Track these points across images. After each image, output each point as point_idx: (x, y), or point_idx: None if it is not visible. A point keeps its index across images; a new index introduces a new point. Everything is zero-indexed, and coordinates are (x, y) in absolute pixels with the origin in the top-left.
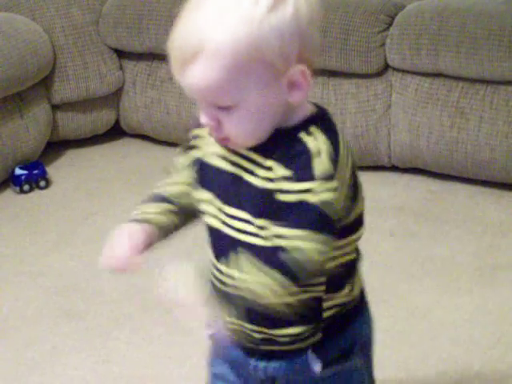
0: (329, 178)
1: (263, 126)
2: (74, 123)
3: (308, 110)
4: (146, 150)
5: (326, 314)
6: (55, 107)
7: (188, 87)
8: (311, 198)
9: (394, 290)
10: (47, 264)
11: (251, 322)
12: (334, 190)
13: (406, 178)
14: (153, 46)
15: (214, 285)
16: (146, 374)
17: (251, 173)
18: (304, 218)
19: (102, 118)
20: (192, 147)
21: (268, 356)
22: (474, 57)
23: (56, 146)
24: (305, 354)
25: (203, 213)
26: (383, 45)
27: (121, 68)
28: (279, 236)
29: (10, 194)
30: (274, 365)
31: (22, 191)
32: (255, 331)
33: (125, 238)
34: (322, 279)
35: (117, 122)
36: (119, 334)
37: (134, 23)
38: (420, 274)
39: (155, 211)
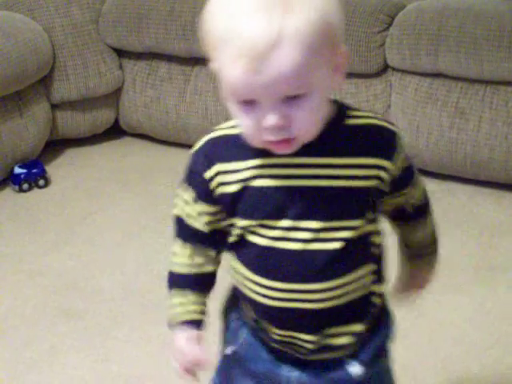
0: (401, 137)
1: (323, 113)
2: (73, 122)
3: (328, 102)
4: (145, 149)
5: (373, 310)
6: (54, 106)
7: (262, 82)
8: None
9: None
10: (46, 263)
11: (309, 330)
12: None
13: None
14: (152, 45)
15: (253, 300)
16: (145, 373)
17: (331, 177)
18: (414, 177)
19: (102, 117)
20: (220, 185)
21: (302, 365)
22: (473, 57)
23: (55, 145)
24: (342, 359)
25: (238, 237)
26: (383, 45)
27: (120, 67)
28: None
29: (9, 192)
30: (308, 373)
31: (21, 190)
32: (309, 341)
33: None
34: (374, 267)
35: (116, 121)
36: (118, 333)
37: (134, 22)
38: None
39: (195, 306)
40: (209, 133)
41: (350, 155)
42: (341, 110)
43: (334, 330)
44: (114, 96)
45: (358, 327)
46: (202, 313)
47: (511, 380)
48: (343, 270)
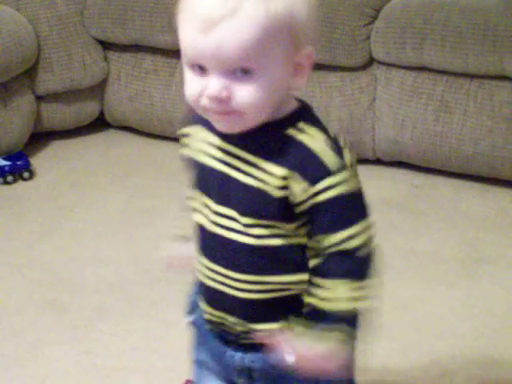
0: (342, 168)
1: (270, 103)
2: (58, 114)
3: (293, 104)
4: (130, 141)
5: (305, 310)
6: (39, 98)
7: (212, 48)
8: (332, 194)
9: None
10: (31, 255)
11: (235, 315)
12: (352, 176)
13: (391, 171)
14: (138, 37)
15: (198, 280)
16: (130, 365)
17: (245, 173)
18: (344, 215)
19: (87, 110)
20: (183, 145)
21: (245, 347)
22: (458, 51)
23: (40, 137)
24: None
25: (193, 209)
26: (368, 38)
27: (105, 59)
28: (332, 245)
29: None
30: (250, 356)
31: (6, 182)
32: (237, 324)
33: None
34: (306, 277)
35: (101, 113)
36: (103, 325)
37: (119, 14)
38: (403, 268)
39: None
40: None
41: (271, 160)
42: (293, 117)
43: (253, 326)
44: (99, 88)
45: (274, 325)
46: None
47: (496, 374)
48: (262, 270)
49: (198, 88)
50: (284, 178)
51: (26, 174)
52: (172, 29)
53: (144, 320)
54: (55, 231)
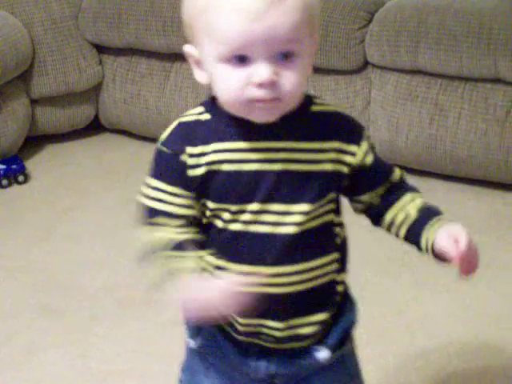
0: (362, 125)
1: (304, 88)
2: (52, 118)
3: None
4: (125, 145)
5: (336, 299)
6: (34, 102)
7: (264, 34)
8: (371, 151)
9: (371, 286)
10: (26, 259)
11: (276, 317)
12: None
13: None
14: (132, 40)
15: None
16: (124, 369)
17: (298, 161)
18: (383, 166)
19: (81, 113)
20: (190, 168)
21: (268, 354)
22: (453, 54)
23: (35, 141)
24: (309, 346)
25: (217, 222)
26: (363, 41)
27: (100, 63)
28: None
29: None
30: (275, 362)
31: (1, 186)
32: (278, 329)
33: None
34: (337, 255)
35: (96, 116)
36: (97, 329)
37: (114, 18)
38: (398, 270)
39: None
40: (176, 119)
41: (314, 139)
42: (307, 98)
43: (299, 321)
44: (94, 92)
45: (322, 316)
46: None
47: (491, 377)
48: (306, 256)
49: (243, 79)
50: (333, 150)
51: (20, 178)
52: (166, 32)
53: (139, 323)
54: (50, 235)
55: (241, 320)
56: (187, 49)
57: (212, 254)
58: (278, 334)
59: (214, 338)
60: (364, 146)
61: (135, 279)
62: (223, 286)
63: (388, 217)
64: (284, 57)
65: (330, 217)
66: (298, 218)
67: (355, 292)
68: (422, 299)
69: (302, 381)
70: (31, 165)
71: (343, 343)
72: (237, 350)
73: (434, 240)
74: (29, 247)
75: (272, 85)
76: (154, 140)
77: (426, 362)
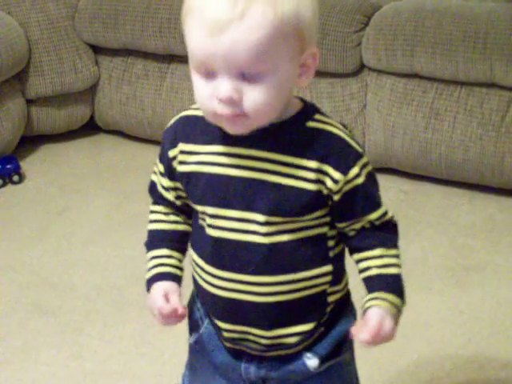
0: (363, 152)
1: (278, 105)
2: (48, 118)
3: (298, 102)
4: (120, 145)
5: (327, 310)
6: (30, 102)
7: (221, 52)
8: (361, 180)
9: (365, 290)
10: (20, 259)
11: (260, 326)
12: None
13: (380, 178)
14: (128, 41)
15: (207, 292)
16: (118, 370)
17: (274, 173)
18: (369, 202)
19: (77, 114)
20: (179, 163)
21: (259, 359)
22: (449, 58)
23: (30, 141)
24: (299, 352)
25: (196, 222)
26: (359, 45)
27: (96, 63)
28: (374, 220)
29: None
30: (266, 365)
31: None
32: (263, 337)
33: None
34: (329, 268)
35: (92, 117)
36: (91, 329)
37: (110, 19)
38: None
39: (170, 260)
40: (183, 111)
41: (299, 155)
42: (307, 111)
43: (284, 330)
44: (90, 92)
45: (307, 326)
46: (178, 268)
47: (483, 380)
48: (291, 267)
49: (208, 91)
50: (316, 171)
51: (15, 178)
52: (163, 33)
53: (132, 324)
54: (44, 235)
55: (222, 325)
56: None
57: (196, 254)
58: (263, 341)
59: (210, 334)
60: (351, 174)
61: (129, 280)
62: (151, 300)
63: (355, 257)
64: (251, 74)
65: (323, 230)
66: (262, 229)
67: None
68: (415, 303)
69: None
70: (26, 165)
71: (338, 353)
72: (228, 351)
73: (367, 309)
74: (23, 247)
75: (232, 102)
76: (149, 141)
77: (419, 365)
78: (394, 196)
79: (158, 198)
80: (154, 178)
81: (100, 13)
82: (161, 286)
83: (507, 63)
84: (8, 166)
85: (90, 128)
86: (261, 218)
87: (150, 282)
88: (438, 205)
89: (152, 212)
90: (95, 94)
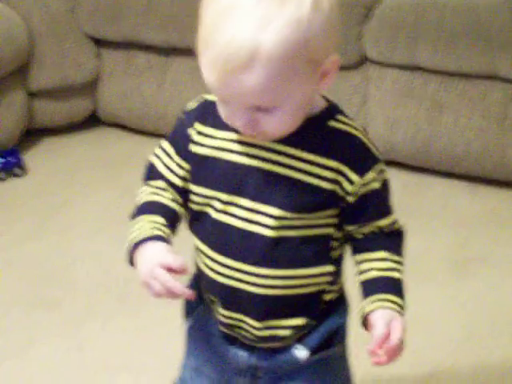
0: (380, 157)
1: (300, 119)
2: (50, 111)
3: (322, 101)
4: (122, 139)
5: (322, 307)
6: (32, 95)
7: (232, 93)
8: (377, 185)
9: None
10: (22, 252)
11: (255, 316)
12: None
13: None
14: (130, 34)
15: (206, 276)
16: (120, 363)
17: (293, 168)
18: (380, 207)
19: (79, 107)
20: (193, 143)
21: (251, 347)
22: (451, 51)
23: (32, 134)
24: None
25: (199, 206)
26: (361, 37)
27: (98, 56)
28: (383, 227)
29: None
30: (256, 354)
31: None
32: (256, 328)
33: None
34: (330, 269)
35: (94, 110)
36: (93, 323)
37: (112, 11)
38: None
39: (167, 230)
40: (201, 96)
41: (319, 153)
42: (331, 111)
43: (276, 323)
44: (92, 85)
45: (300, 321)
46: (170, 236)
47: (485, 373)
48: (293, 263)
49: (227, 113)
50: (335, 170)
51: (17, 171)
52: (165, 26)
53: (134, 318)
54: (46, 228)
55: (222, 311)
56: None
57: (200, 240)
58: (256, 332)
59: (204, 320)
60: (367, 178)
61: (131, 273)
62: (145, 268)
63: (357, 258)
64: (263, 107)
65: (329, 230)
66: (272, 222)
67: (349, 289)
68: (415, 296)
69: (284, 376)
70: (28, 158)
71: (329, 345)
72: (222, 335)
73: (370, 313)
74: (25, 240)
75: (251, 127)
76: (151, 134)
77: (421, 359)
78: (395, 188)
79: (156, 177)
80: (155, 159)
81: (102, 5)
82: (164, 245)
83: (510, 55)
84: (10, 160)
85: (92, 121)
86: (272, 210)
87: (147, 240)
88: (439, 197)
89: (142, 191)
90: (97, 88)
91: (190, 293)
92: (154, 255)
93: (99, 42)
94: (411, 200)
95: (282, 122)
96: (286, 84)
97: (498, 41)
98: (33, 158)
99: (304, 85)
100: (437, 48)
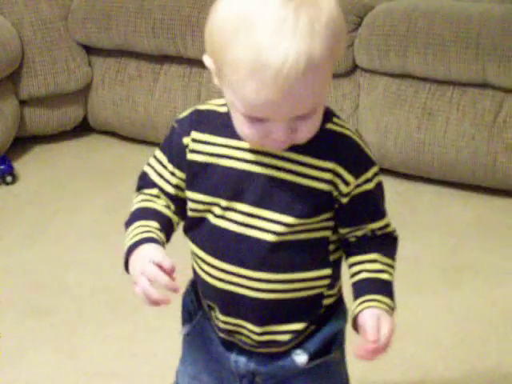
0: (375, 160)
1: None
2: (41, 119)
3: None
4: (113, 146)
5: (321, 311)
6: (23, 102)
7: (286, 107)
8: (370, 187)
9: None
10: (13, 260)
11: (254, 321)
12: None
13: None
14: (122, 42)
15: (205, 282)
16: (111, 370)
17: (293, 172)
18: (375, 207)
19: (70, 114)
20: (190, 151)
21: (249, 352)
22: (441, 58)
23: (23, 142)
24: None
25: (198, 213)
26: (352, 45)
27: (89, 64)
28: (375, 229)
29: None
30: (255, 360)
31: None
32: (256, 333)
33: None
34: (328, 272)
35: (85, 118)
36: (85, 330)
37: (103, 19)
38: None
39: (161, 234)
40: (196, 105)
41: (317, 156)
42: (327, 114)
43: (276, 328)
44: (83, 93)
45: (299, 325)
46: (163, 241)
47: (476, 380)
48: (293, 267)
49: (260, 134)
50: (332, 172)
51: (8, 178)
52: (156, 34)
53: (126, 325)
54: (38, 235)
55: (221, 317)
56: (206, 61)
57: (197, 245)
58: (255, 337)
59: (202, 327)
60: (362, 179)
61: (122, 281)
62: (137, 265)
63: (350, 260)
64: (303, 114)
65: (326, 233)
66: (278, 228)
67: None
68: (407, 303)
69: (282, 382)
70: (19, 165)
71: (327, 351)
72: (220, 341)
73: (359, 314)
74: (16, 248)
75: (289, 137)
76: (142, 142)
77: (412, 366)
78: (387, 196)
79: (149, 185)
80: (148, 168)
81: (93, 13)
82: (157, 247)
83: (499, 63)
84: (1, 167)
85: (83, 129)
86: (271, 215)
87: (141, 242)
88: (430, 204)
89: (141, 195)
90: (88, 95)
91: (175, 287)
92: (146, 254)
93: (90, 50)
94: (402, 207)
95: (315, 126)
96: (326, 85)
97: (487, 48)
98: (24, 165)
99: (329, 81)
100: (427, 56)
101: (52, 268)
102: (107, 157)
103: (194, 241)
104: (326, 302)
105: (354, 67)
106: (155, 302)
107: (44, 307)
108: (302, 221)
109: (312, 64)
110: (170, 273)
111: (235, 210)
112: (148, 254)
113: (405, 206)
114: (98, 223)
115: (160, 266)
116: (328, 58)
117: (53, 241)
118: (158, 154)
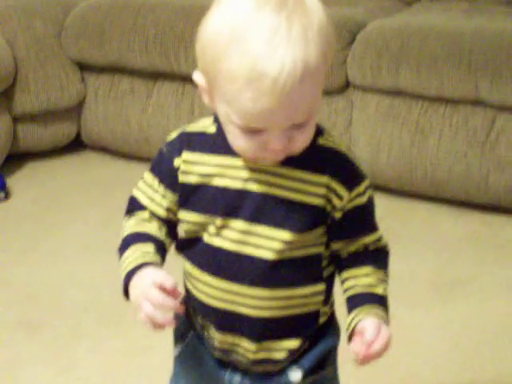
0: (366, 174)
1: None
2: (34, 135)
3: None
4: (106, 163)
5: (316, 327)
6: (16, 119)
7: (282, 115)
8: (363, 201)
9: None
10: (6, 275)
11: (251, 338)
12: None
13: None
14: (115, 59)
15: (200, 302)
16: None
17: (287, 188)
18: (367, 221)
19: (63, 131)
20: (182, 173)
21: (244, 370)
22: (434, 76)
23: (16, 158)
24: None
25: (193, 233)
26: (344, 62)
27: (82, 80)
28: (367, 244)
29: None
30: (250, 377)
31: None
32: (251, 351)
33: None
34: (322, 287)
35: (78, 134)
36: (78, 345)
37: (97, 36)
38: None
39: (158, 257)
40: (181, 128)
41: (310, 171)
42: (317, 129)
43: (272, 345)
44: (76, 109)
45: (295, 342)
46: (160, 264)
47: None
48: (288, 283)
49: (257, 146)
50: (326, 186)
51: (1, 195)
52: (149, 51)
53: (119, 341)
54: (31, 252)
55: (217, 335)
56: (196, 78)
57: (191, 263)
58: (251, 355)
59: (194, 346)
60: (355, 193)
61: (116, 296)
62: (138, 290)
63: (343, 275)
64: (299, 123)
65: (320, 249)
66: (277, 245)
67: (336, 311)
68: (401, 318)
69: None
70: (12, 182)
71: (322, 367)
72: (214, 360)
73: (359, 322)
74: (10, 263)
75: (286, 147)
76: (135, 158)
77: (406, 380)
78: (379, 212)
79: (140, 209)
80: (137, 192)
81: (86, 30)
82: (157, 268)
83: (492, 80)
84: None
85: (77, 145)
86: (267, 231)
87: (139, 267)
88: (423, 221)
89: (131, 219)
90: (81, 111)
91: (181, 309)
92: (146, 277)
93: (83, 67)
94: (395, 223)
95: (310, 134)
96: (320, 91)
97: (480, 65)
98: (17, 181)
99: (321, 91)
100: (420, 73)
101: (45, 284)
102: (100, 173)
103: (188, 259)
104: (322, 319)
105: (347, 84)
106: (160, 326)
107: (37, 322)
108: (297, 236)
109: (308, 71)
110: (173, 292)
111: (230, 228)
112: (149, 276)
113: (397, 222)
114: (91, 239)
115: (163, 288)
116: (322, 63)
117: (46, 257)
118: (148, 176)
